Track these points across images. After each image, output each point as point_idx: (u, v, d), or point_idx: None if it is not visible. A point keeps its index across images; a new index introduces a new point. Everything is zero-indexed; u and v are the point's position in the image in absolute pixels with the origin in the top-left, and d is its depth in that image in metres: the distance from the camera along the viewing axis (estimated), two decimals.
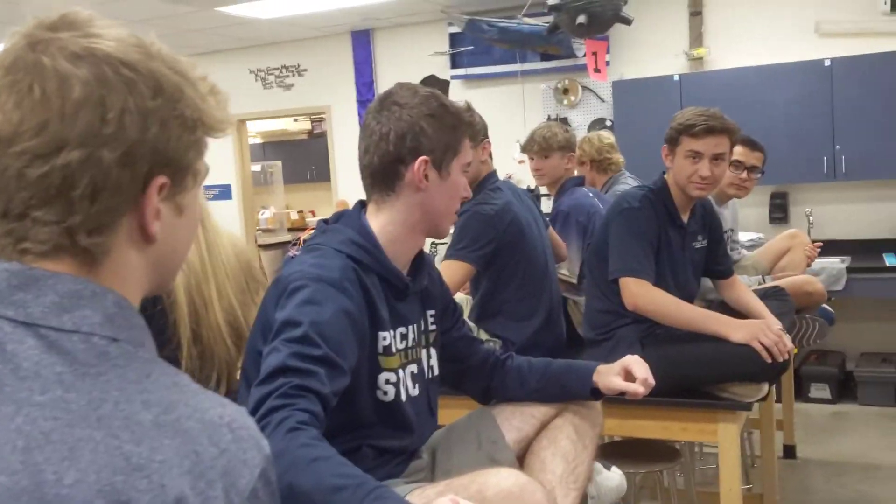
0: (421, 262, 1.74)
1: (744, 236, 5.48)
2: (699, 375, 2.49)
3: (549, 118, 6.40)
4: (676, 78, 5.72)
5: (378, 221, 1.66)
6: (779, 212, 5.80)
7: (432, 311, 1.77)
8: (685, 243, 2.73)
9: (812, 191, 5.77)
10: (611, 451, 2.95)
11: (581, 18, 3.51)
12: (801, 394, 5.40)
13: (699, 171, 2.58)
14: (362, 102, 7.01)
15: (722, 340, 2.43)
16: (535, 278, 2.84)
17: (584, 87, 6.30)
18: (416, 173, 1.62)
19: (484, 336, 2.83)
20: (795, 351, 4.24)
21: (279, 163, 10.40)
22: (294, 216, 10.74)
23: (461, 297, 3.17)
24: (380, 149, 1.63)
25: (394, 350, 1.62)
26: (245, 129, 7.67)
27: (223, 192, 7.67)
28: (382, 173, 1.65)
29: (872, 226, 5.65)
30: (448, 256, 2.68)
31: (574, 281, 3.20)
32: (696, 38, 5.93)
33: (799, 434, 4.73)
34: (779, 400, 4.28)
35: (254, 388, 1.31)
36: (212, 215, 1.99)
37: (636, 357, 1.87)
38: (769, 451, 3.80)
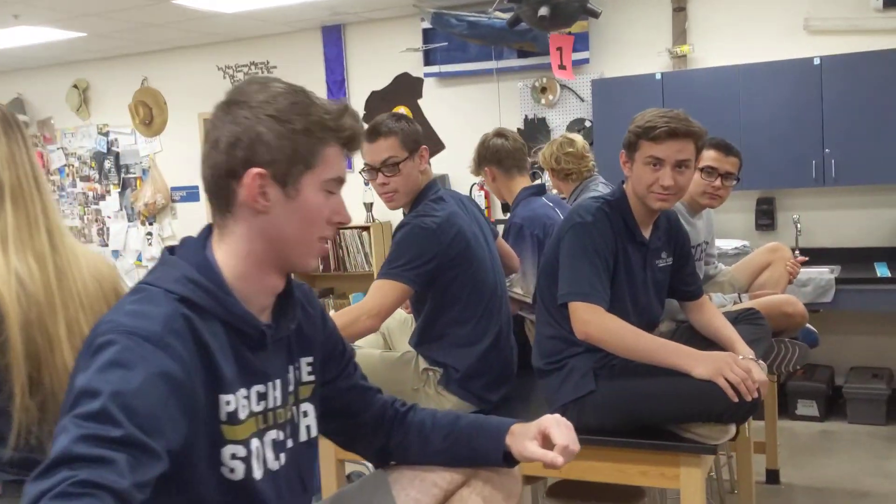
0: (287, 301, 1.43)
1: (728, 244, 5.21)
2: (658, 413, 2.19)
3: (526, 118, 6.11)
4: (659, 76, 5.42)
5: (221, 252, 1.34)
6: (765, 218, 5.51)
7: (309, 359, 1.47)
8: (647, 261, 2.43)
9: (800, 196, 5.48)
10: (564, 491, 2.66)
11: (543, 10, 3.22)
12: (787, 411, 5.11)
13: (660, 180, 2.29)
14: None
15: (684, 374, 2.14)
16: (483, 298, 2.55)
17: (563, 86, 6.00)
18: (250, 190, 1.30)
19: (423, 364, 2.54)
20: (775, 379, 3.99)
21: None
22: None
23: (405, 317, 2.88)
24: (209, 158, 1.32)
25: (242, 416, 1.29)
26: None
27: (190, 195, 7.36)
28: (215, 190, 1.33)
29: (863, 234, 5.36)
30: (381, 275, 2.39)
31: (529, 300, 2.90)
32: (680, 35, 5.64)
33: (783, 455, 4.44)
34: (762, 417, 3.99)
35: (29, 483, 0.99)
36: (68, 234, 1.70)
37: (556, 417, 1.57)
38: (747, 477, 3.51)
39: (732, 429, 2.16)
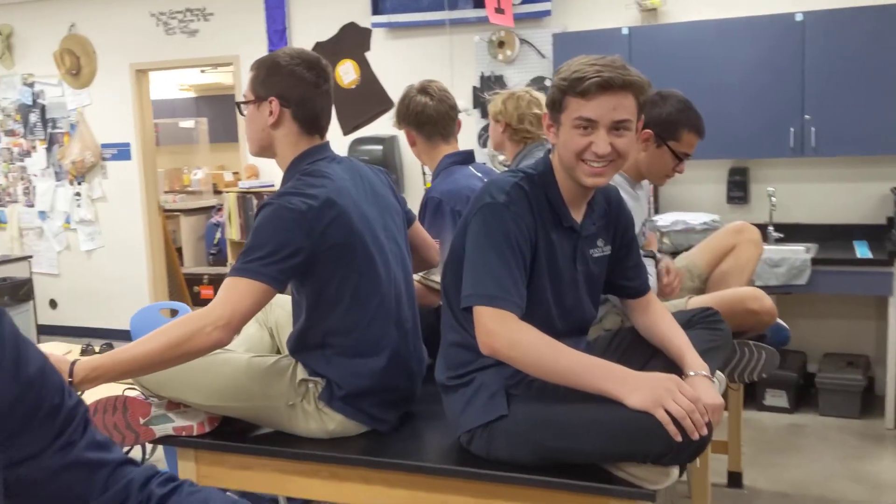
0: None
1: (696, 218, 4.74)
2: (583, 449, 1.72)
3: (482, 76, 5.58)
4: (626, 31, 4.91)
5: None
6: (737, 190, 5.05)
7: None
8: (577, 251, 1.94)
9: (776, 167, 5.01)
10: None
11: None
12: (755, 400, 4.70)
13: (593, 146, 1.79)
14: None
15: (617, 402, 1.67)
16: (372, 301, 2.03)
17: (523, 41, 5.46)
18: None
19: (301, 373, 2.04)
20: (737, 388, 3.55)
21: (205, 119, 9.49)
22: (229, 178, 9.84)
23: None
24: None
25: None
26: (146, 81, 6.76)
27: (122, 153, 6.78)
28: None
29: (843, 210, 4.91)
30: (234, 271, 1.87)
31: None
32: None
33: (749, 453, 4.03)
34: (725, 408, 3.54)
35: None
36: None
37: None
38: (703, 480, 3.08)
39: (674, 472, 1.70)
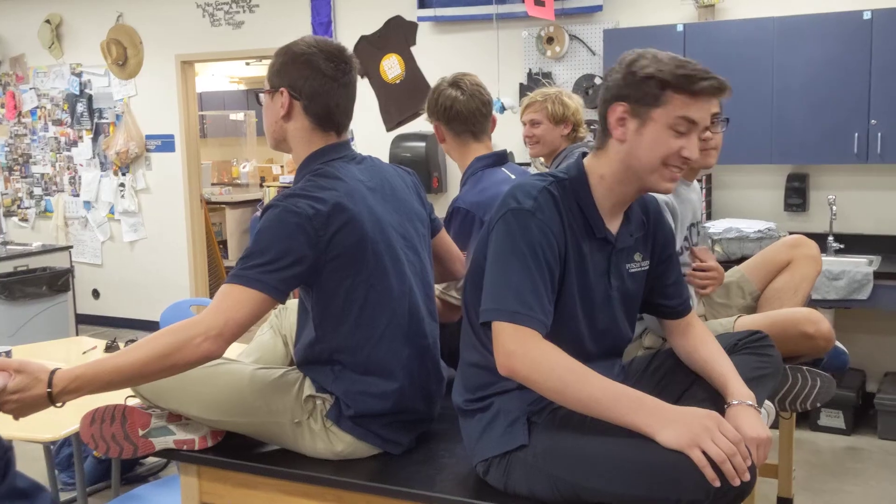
0: None
1: (751, 225, 4.50)
2: (608, 489, 1.54)
3: (529, 72, 5.39)
4: (680, 28, 4.68)
5: None
6: (796, 197, 4.78)
7: None
8: (611, 265, 1.76)
9: (838, 173, 4.73)
10: None
11: None
12: (808, 420, 4.44)
13: (685, 151, 1.63)
14: None
15: (648, 438, 1.49)
16: (384, 316, 1.87)
17: (573, 37, 5.26)
18: None
19: (308, 389, 1.89)
20: (788, 417, 3.30)
21: (253, 112, 9.46)
22: (277, 171, 9.81)
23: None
24: None
25: None
26: (192, 73, 6.71)
27: (166, 144, 6.75)
28: None
29: None
30: (231, 277, 1.72)
31: None
32: None
33: (801, 477, 3.79)
34: (775, 426, 3.30)
35: None
36: None
37: None
38: None
39: None
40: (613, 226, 1.75)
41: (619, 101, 1.67)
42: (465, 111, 2.48)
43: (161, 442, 1.95)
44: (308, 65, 1.89)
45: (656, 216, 1.86)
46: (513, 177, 2.47)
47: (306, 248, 1.75)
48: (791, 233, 4.28)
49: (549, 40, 5.30)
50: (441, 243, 2.22)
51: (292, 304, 2.18)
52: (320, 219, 1.77)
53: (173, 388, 1.88)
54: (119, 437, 1.92)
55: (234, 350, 2.40)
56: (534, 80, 5.33)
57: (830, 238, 4.59)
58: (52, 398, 1.60)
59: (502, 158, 2.54)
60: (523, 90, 5.36)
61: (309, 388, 1.89)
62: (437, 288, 2.33)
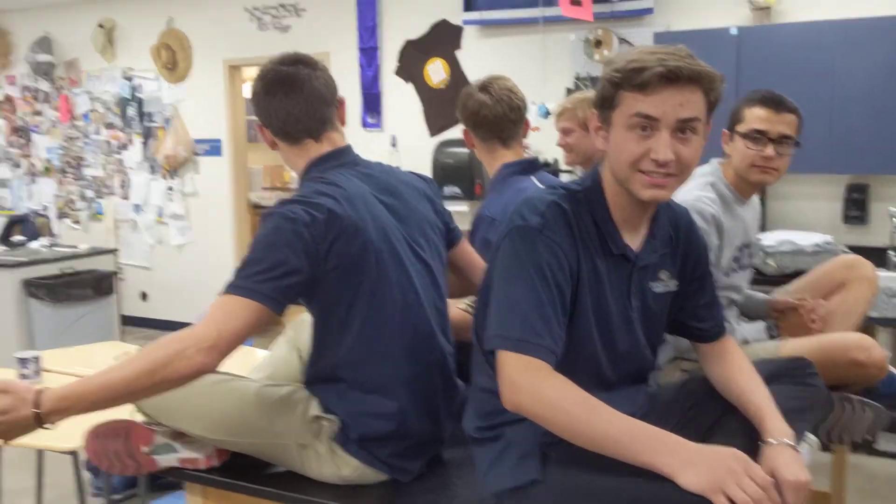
0: None
1: (807, 238, 4.29)
2: None
3: (577, 77, 5.25)
4: (734, 32, 4.49)
5: None
6: (855, 209, 4.55)
7: None
8: (632, 284, 1.63)
9: None
10: None
11: None
12: (864, 443, 4.20)
13: (653, 153, 1.47)
14: (364, 50, 5.97)
15: (667, 479, 1.36)
16: (393, 331, 1.77)
17: (622, 40, 5.10)
18: None
19: (315, 409, 1.80)
20: (836, 449, 3.11)
21: None
22: None
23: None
24: None
25: None
26: (239, 76, 6.72)
27: (213, 148, 6.77)
28: None
29: None
30: (228, 287, 1.64)
31: None
32: None
33: None
34: (826, 448, 3.09)
35: None
36: None
37: None
38: None
39: None
40: (634, 241, 1.62)
41: (595, 107, 1.56)
42: (492, 116, 2.38)
43: (165, 460, 1.88)
44: (255, 95, 1.88)
45: (687, 231, 1.72)
46: (541, 186, 2.34)
47: (303, 256, 1.66)
48: (850, 247, 4.07)
49: (598, 44, 5.15)
50: (462, 254, 2.11)
51: (308, 317, 2.09)
52: (318, 226, 1.68)
53: (176, 405, 1.81)
54: (122, 453, 1.86)
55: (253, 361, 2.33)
56: (581, 85, 5.19)
57: (891, 252, 4.35)
58: (39, 419, 1.54)
59: (532, 166, 2.42)
60: (570, 95, 5.22)
61: (315, 409, 1.80)
62: (464, 302, 2.22)
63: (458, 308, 2.15)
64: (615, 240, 1.58)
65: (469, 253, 2.14)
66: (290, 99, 1.82)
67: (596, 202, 1.58)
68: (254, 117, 1.93)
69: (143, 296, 7.28)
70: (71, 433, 2.31)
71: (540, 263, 1.48)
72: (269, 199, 8.69)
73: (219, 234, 6.87)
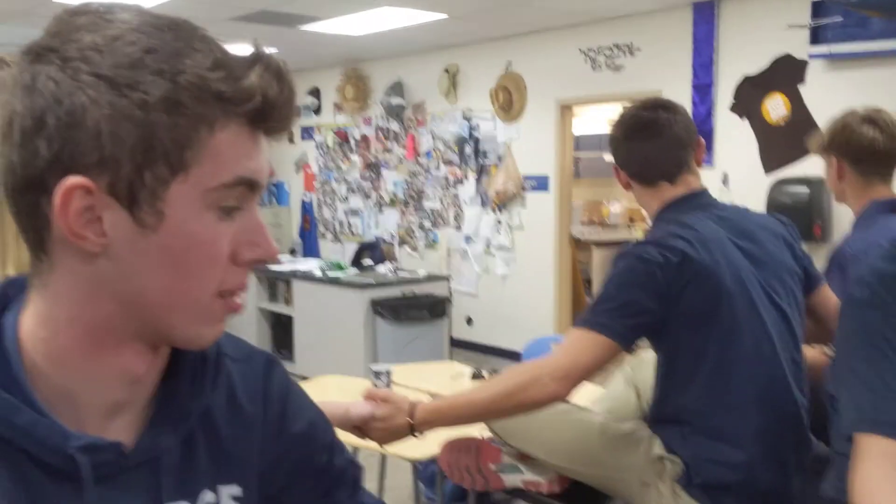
0: (172, 394, 0.78)
1: None
2: None
3: None
4: None
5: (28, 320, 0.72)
6: None
7: (234, 491, 0.82)
8: None
9: None
10: None
11: None
12: None
13: None
14: (697, 87, 5.88)
15: None
16: (742, 379, 1.72)
17: None
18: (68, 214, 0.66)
19: (658, 449, 1.81)
20: None
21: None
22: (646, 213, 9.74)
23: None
24: (2, 156, 0.67)
25: None
26: (570, 116, 6.93)
27: (541, 184, 7.04)
28: (15, 213, 0.69)
29: None
30: (580, 322, 1.70)
31: None
32: None
33: None
34: None
35: None
36: None
37: None
38: None
39: None
40: None
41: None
42: (884, 151, 2.23)
43: (510, 479, 2.00)
44: (613, 139, 1.98)
45: None
46: None
47: (654, 297, 1.69)
48: None
49: None
50: (821, 300, 2.00)
51: (648, 356, 2.11)
52: (671, 268, 1.69)
53: (522, 429, 1.92)
54: (472, 468, 2.00)
55: (589, 395, 2.39)
56: None
57: None
58: (412, 428, 1.72)
59: None
60: None
61: (658, 448, 1.81)
62: (821, 349, 2.11)
63: (813, 351, 2.04)
64: None
65: (827, 298, 2.02)
66: (648, 144, 1.87)
67: None
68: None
69: (469, 320, 7.73)
70: (414, 444, 2.54)
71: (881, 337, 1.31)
72: (587, 234, 8.84)
73: (540, 266, 7.11)
